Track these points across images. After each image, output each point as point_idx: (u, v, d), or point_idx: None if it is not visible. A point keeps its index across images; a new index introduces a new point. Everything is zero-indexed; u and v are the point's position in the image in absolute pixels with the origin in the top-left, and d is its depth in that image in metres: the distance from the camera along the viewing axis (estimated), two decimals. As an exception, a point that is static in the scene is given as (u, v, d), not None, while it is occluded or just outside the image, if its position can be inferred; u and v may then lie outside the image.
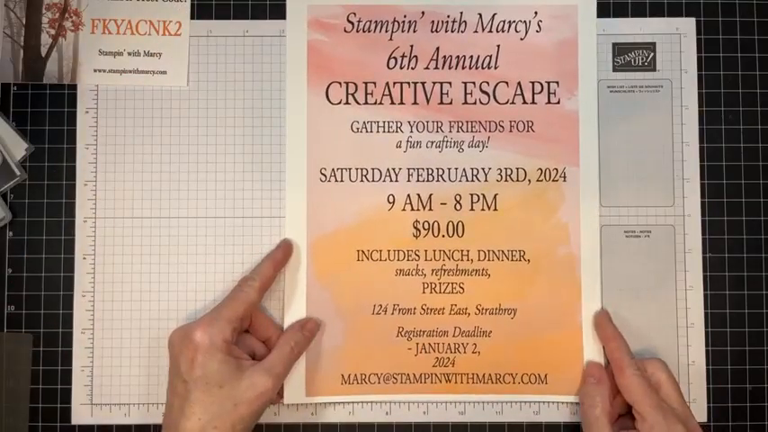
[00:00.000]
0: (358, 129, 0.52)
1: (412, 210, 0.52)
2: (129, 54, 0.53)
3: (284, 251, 0.50)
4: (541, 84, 0.52)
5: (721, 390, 0.51)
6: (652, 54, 0.53)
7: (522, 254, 0.51)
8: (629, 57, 0.53)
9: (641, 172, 0.52)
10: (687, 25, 0.53)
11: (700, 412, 0.51)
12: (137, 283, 0.52)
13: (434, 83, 0.52)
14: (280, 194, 0.52)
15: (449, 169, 0.52)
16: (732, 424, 0.51)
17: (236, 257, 0.52)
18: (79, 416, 0.51)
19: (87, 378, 0.51)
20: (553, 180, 0.52)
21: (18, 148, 0.52)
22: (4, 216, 0.51)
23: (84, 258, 0.52)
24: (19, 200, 0.52)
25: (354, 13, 0.52)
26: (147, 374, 0.51)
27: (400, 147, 0.52)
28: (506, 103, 0.52)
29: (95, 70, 0.53)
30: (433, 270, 0.51)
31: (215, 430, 0.44)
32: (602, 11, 0.53)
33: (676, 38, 0.53)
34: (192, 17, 0.53)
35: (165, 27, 0.53)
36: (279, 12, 0.53)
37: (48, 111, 0.52)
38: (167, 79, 0.52)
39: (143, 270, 0.52)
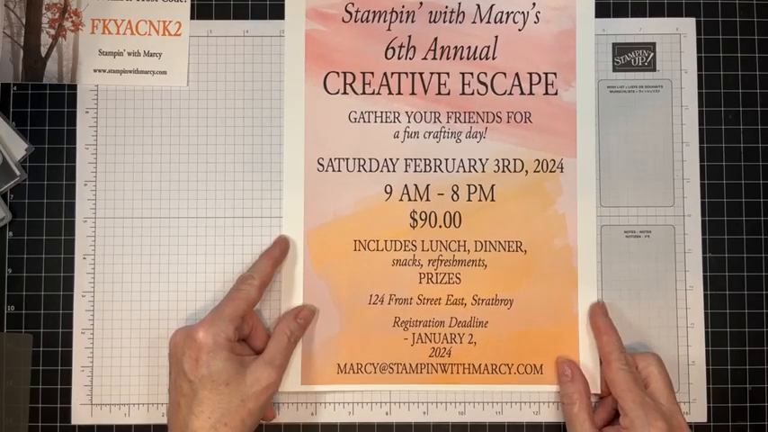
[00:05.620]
0: (355, 119, 0.52)
1: (409, 200, 0.52)
2: (129, 54, 0.53)
3: (281, 248, 0.50)
4: (539, 75, 0.52)
5: (721, 390, 0.51)
6: (652, 54, 0.53)
7: (518, 245, 0.51)
8: (629, 57, 0.53)
9: (641, 172, 0.52)
10: (687, 25, 0.53)
11: (700, 412, 0.51)
12: (137, 283, 0.52)
13: (432, 73, 0.52)
14: (279, 194, 0.52)
15: (446, 160, 0.52)
16: (732, 424, 0.51)
17: (236, 257, 0.52)
18: (79, 416, 0.51)
19: (87, 378, 0.51)
20: (550, 171, 0.52)
21: (18, 148, 0.52)
22: (4, 216, 0.51)
23: (84, 258, 0.52)
24: (19, 200, 0.52)
25: (352, 4, 0.52)
26: (147, 374, 0.51)
27: (398, 137, 0.52)
28: (504, 94, 0.52)
29: (95, 70, 0.53)
30: (429, 260, 0.51)
31: (226, 427, 0.44)
32: (602, 11, 0.53)
33: (676, 38, 0.53)
34: (192, 17, 0.53)
35: (165, 27, 0.53)
36: (279, 12, 0.53)
37: (48, 111, 0.52)
38: (167, 79, 0.52)
39: (143, 270, 0.52)
